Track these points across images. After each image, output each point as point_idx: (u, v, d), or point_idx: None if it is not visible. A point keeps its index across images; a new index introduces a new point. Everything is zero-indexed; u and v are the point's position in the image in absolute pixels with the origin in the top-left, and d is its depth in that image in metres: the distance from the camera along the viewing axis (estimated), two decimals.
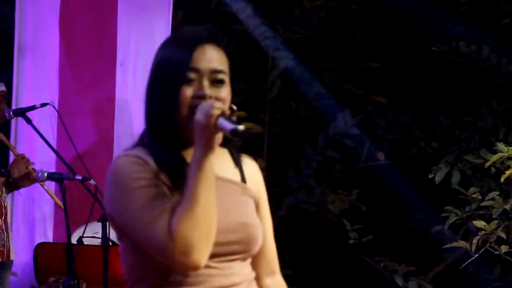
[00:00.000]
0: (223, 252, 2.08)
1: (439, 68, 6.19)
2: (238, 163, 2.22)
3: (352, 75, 6.32)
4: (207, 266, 2.04)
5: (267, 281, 2.25)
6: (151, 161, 2.04)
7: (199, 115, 1.99)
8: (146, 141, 2.11)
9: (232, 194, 2.15)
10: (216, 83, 2.08)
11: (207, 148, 1.99)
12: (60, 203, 4.84)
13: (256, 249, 2.16)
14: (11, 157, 5.02)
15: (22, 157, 4.74)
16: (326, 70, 6.39)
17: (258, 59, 6.22)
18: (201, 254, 1.97)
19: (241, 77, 6.05)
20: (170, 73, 2.06)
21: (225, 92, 2.09)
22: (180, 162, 2.07)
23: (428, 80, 6.30)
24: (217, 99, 2.06)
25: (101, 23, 5.42)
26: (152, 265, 2.02)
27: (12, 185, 4.76)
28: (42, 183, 4.70)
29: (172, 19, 5.40)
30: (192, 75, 2.06)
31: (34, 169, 4.70)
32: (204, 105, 2.01)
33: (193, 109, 2.03)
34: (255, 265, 2.20)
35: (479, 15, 5.97)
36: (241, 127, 1.96)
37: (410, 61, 6.33)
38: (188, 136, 2.06)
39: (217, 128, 1.98)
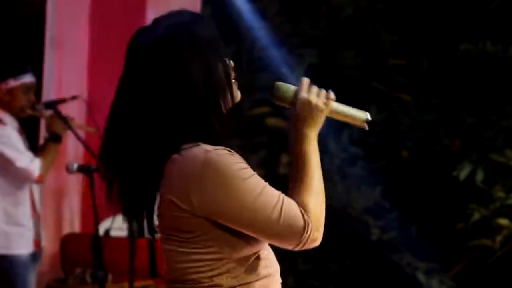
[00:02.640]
0: None
1: (464, 66, 6.18)
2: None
3: (377, 72, 6.33)
4: (266, 249, 2.07)
5: None
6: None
7: (314, 98, 2.08)
8: (203, 137, 2.00)
9: None
10: None
11: (317, 129, 2.09)
12: (89, 128, 4.89)
13: None
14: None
15: (51, 116, 4.73)
16: (351, 67, 6.40)
17: (283, 55, 6.25)
18: (323, 227, 2.03)
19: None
20: (216, 66, 2.02)
21: None
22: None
23: (452, 78, 6.29)
24: None
25: (130, 18, 5.46)
26: (238, 256, 2.01)
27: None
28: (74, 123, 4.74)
29: None
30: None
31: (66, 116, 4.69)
32: (309, 87, 2.10)
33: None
34: None
35: (507, 14, 5.96)
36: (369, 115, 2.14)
37: (435, 59, 6.33)
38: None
39: (332, 113, 2.11)
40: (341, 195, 6.10)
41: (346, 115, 2.14)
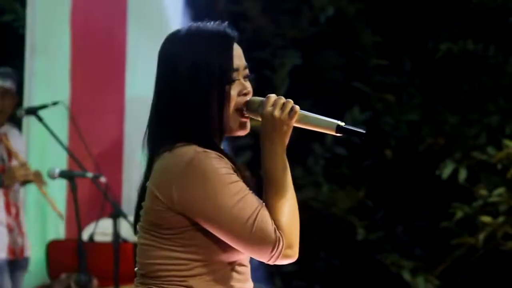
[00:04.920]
0: None
1: (446, 65, 6.20)
2: None
3: (360, 73, 6.34)
4: (245, 265, 2.08)
5: None
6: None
7: (277, 112, 2.03)
8: (194, 141, 2.03)
9: None
10: (247, 78, 2.12)
11: (285, 143, 2.06)
12: (58, 211, 4.83)
13: None
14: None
15: (23, 164, 4.68)
16: (334, 68, 6.41)
17: (266, 57, 6.25)
18: (298, 245, 2.05)
19: (250, 75, 6.08)
20: (213, 76, 2.05)
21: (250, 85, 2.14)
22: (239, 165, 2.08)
23: (435, 77, 6.31)
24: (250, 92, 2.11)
25: (111, 22, 5.45)
26: (212, 261, 2.03)
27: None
28: (43, 191, 4.69)
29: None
30: (234, 74, 2.08)
31: (36, 175, 4.65)
32: (274, 100, 2.05)
33: (239, 107, 2.08)
34: None
35: (486, 12, 5.99)
36: (341, 122, 2.07)
37: (417, 59, 6.35)
38: (225, 134, 2.09)
39: (300, 123, 2.06)
40: (326, 196, 6.11)
41: (316, 125, 2.08)
